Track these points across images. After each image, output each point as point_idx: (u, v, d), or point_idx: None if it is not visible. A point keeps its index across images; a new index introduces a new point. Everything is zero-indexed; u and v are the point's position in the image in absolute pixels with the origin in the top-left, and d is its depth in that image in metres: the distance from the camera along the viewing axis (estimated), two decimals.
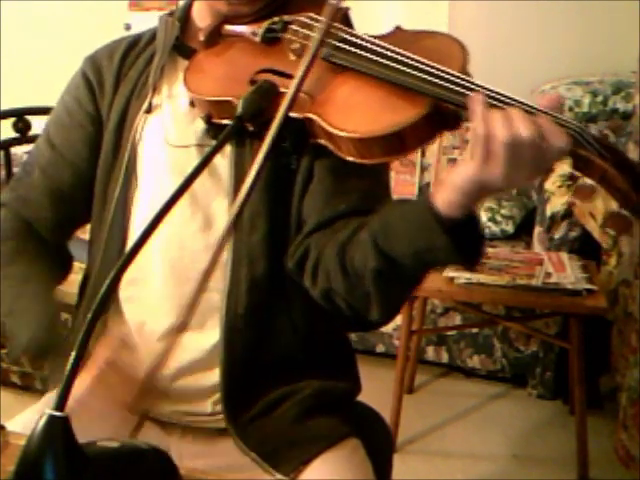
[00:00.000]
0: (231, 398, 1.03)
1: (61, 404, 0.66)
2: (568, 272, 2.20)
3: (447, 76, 0.83)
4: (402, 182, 2.99)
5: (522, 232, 2.80)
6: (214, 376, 1.04)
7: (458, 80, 0.83)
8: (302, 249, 1.00)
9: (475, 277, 2.16)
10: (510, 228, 2.80)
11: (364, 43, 0.91)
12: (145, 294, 1.06)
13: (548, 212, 2.51)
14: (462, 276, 2.17)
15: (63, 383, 0.66)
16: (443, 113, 0.84)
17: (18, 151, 1.77)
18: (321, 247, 0.98)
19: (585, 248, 2.45)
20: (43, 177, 1.12)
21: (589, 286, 2.12)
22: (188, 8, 1.11)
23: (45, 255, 1.13)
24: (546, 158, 0.77)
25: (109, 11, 3.48)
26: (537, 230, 2.58)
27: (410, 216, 0.86)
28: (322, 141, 0.89)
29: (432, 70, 0.84)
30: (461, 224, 0.82)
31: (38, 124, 1.44)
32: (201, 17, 1.08)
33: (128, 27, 3.49)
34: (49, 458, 0.66)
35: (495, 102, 0.81)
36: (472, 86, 0.83)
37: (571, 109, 2.86)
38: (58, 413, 0.66)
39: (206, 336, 1.04)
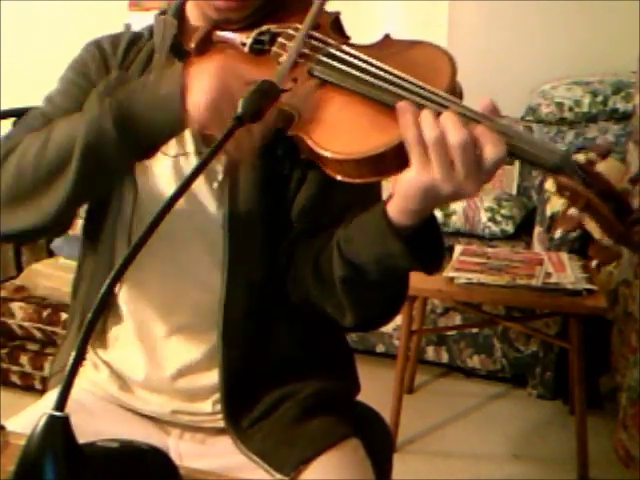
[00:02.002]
0: (230, 398, 1.03)
1: (61, 404, 0.66)
2: (568, 272, 2.20)
3: (433, 97, 0.81)
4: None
5: (522, 232, 2.80)
6: (214, 376, 1.04)
7: (445, 102, 0.81)
8: (285, 257, 1.02)
9: (475, 277, 2.16)
10: (510, 228, 2.80)
11: (350, 58, 0.90)
12: (142, 293, 1.06)
13: (548, 212, 2.51)
14: (462, 276, 2.17)
15: (63, 383, 0.66)
16: None
17: None
18: (300, 256, 1.00)
19: (585, 248, 2.45)
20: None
21: (589, 286, 2.12)
22: (182, 7, 1.09)
23: None
24: (483, 165, 0.76)
25: (109, 11, 3.49)
26: (537, 230, 2.58)
27: (366, 224, 0.88)
28: (311, 158, 0.88)
29: (418, 90, 0.82)
30: (419, 230, 0.83)
31: None
32: (195, 16, 1.07)
33: (128, 27, 3.49)
34: (49, 458, 0.66)
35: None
36: (461, 110, 0.80)
37: (571, 109, 2.87)
38: (58, 413, 0.66)
39: (205, 337, 1.04)
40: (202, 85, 0.86)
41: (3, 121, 1.69)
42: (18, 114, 1.67)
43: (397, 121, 0.80)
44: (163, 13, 1.09)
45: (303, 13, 0.97)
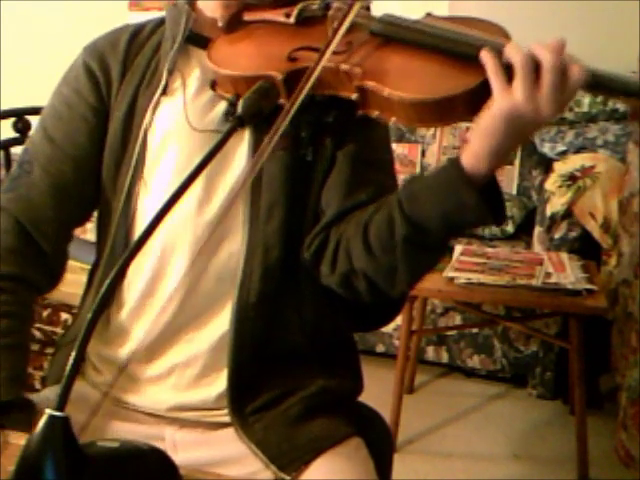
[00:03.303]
0: (236, 388, 1.03)
1: (61, 404, 0.66)
2: (568, 272, 2.20)
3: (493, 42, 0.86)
4: (402, 182, 2.99)
5: (522, 232, 2.80)
6: (221, 365, 1.03)
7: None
8: (320, 239, 1.01)
9: (475, 277, 2.16)
10: (510, 228, 2.80)
11: (405, 20, 0.94)
12: (158, 286, 1.05)
13: (548, 212, 2.51)
14: (462, 276, 2.17)
15: (63, 383, 0.66)
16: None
17: (18, 151, 1.77)
18: (341, 233, 0.99)
19: (585, 248, 2.45)
20: (44, 174, 1.08)
21: (589, 286, 2.12)
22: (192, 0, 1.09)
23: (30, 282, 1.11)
24: (566, 86, 0.81)
25: (109, 11, 3.49)
26: (537, 230, 2.58)
27: (437, 179, 0.89)
28: (375, 112, 0.92)
29: (483, 39, 0.87)
30: (484, 185, 0.86)
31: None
32: (210, 8, 1.07)
33: None
34: (49, 458, 0.66)
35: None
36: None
37: (571, 109, 2.86)
38: (58, 413, 0.66)
39: (215, 325, 1.04)
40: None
41: (3, 121, 1.69)
42: (18, 114, 1.67)
43: (463, 71, 0.86)
44: (175, 5, 1.09)
45: None
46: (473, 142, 0.85)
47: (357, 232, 0.97)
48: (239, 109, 0.79)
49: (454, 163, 0.86)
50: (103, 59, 1.08)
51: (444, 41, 0.89)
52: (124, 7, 3.58)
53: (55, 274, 1.16)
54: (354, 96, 0.92)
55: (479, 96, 0.86)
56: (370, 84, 0.89)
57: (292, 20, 1.00)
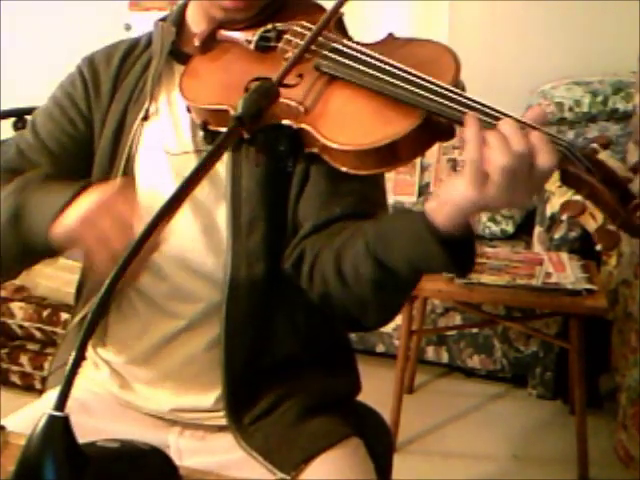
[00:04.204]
0: (232, 394, 1.03)
1: (61, 404, 0.66)
2: (568, 272, 2.20)
3: (438, 89, 0.83)
4: (402, 182, 2.99)
5: (522, 232, 2.80)
6: (215, 373, 1.04)
7: (449, 94, 0.82)
8: (298, 251, 1.01)
9: (475, 277, 2.16)
10: (510, 228, 2.80)
11: (356, 53, 0.91)
12: (149, 291, 1.06)
13: (548, 212, 2.51)
14: None
15: (63, 383, 0.66)
16: (436, 125, 0.84)
17: None
18: (317, 250, 0.99)
19: (585, 248, 2.45)
20: (19, 159, 1.09)
21: (589, 286, 2.12)
22: (182, 12, 1.11)
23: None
24: (537, 176, 0.77)
25: (109, 11, 3.49)
26: (537, 230, 2.58)
27: (403, 226, 0.87)
28: (316, 150, 0.90)
29: (424, 83, 0.84)
30: (456, 234, 0.83)
31: None
32: (195, 22, 1.08)
33: (128, 27, 3.50)
34: (49, 458, 0.66)
35: (486, 118, 0.80)
36: (465, 100, 0.82)
37: (571, 109, 2.86)
38: (58, 413, 0.66)
39: (207, 335, 1.05)
40: (73, 213, 0.90)
41: (3, 121, 1.69)
42: (18, 114, 1.67)
43: (402, 114, 0.82)
44: (163, 20, 1.10)
45: (305, 14, 1.00)
46: (444, 207, 0.81)
47: (330, 259, 0.96)
48: (239, 109, 0.79)
49: (424, 217, 0.83)
50: (96, 73, 1.11)
51: (377, 82, 0.86)
52: (124, 7, 3.57)
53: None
54: (298, 130, 0.90)
55: (423, 135, 0.83)
56: (308, 128, 0.88)
57: (252, 47, 0.99)
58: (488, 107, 0.81)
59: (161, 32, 1.09)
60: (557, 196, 2.50)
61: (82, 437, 0.69)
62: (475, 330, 2.67)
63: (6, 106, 1.73)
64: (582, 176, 0.79)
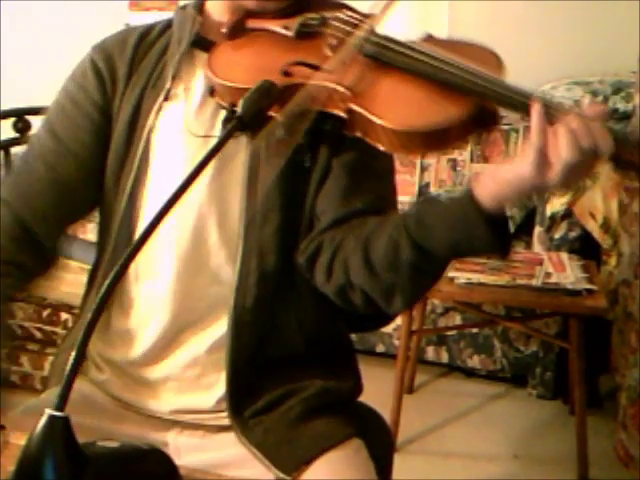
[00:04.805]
0: (235, 392, 1.03)
1: (61, 404, 0.66)
2: (568, 272, 2.20)
3: (497, 79, 0.87)
4: (402, 182, 2.99)
5: (522, 232, 2.80)
6: (219, 369, 1.04)
7: (507, 84, 0.86)
8: (315, 244, 1.01)
9: (475, 277, 2.16)
10: (510, 228, 2.80)
11: (408, 44, 0.94)
12: (154, 289, 1.06)
13: (548, 212, 2.51)
14: (462, 276, 2.17)
15: (63, 383, 0.66)
16: (484, 114, 0.87)
17: (18, 151, 1.78)
18: (338, 242, 0.99)
19: (585, 248, 2.45)
20: (46, 170, 1.07)
21: (589, 286, 2.12)
22: (202, 2, 1.10)
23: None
24: (593, 163, 0.81)
25: (109, 11, 3.49)
26: (537, 230, 2.58)
27: (450, 210, 0.89)
28: (359, 134, 0.91)
29: (480, 72, 0.87)
30: (499, 216, 0.86)
31: (38, 124, 1.43)
32: (218, 11, 1.08)
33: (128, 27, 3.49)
34: (49, 458, 0.66)
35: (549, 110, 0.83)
36: (524, 90, 0.86)
37: None
38: (58, 413, 0.66)
39: (213, 329, 1.04)
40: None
41: (3, 121, 1.69)
42: (18, 114, 1.67)
43: (455, 100, 0.85)
44: (184, 8, 1.10)
45: (332, 8, 1.02)
46: (495, 185, 0.84)
47: (357, 248, 0.96)
48: (239, 109, 0.79)
49: (470, 198, 0.86)
50: (110, 58, 1.09)
51: (425, 67, 0.89)
52: (124, 7, 3.58)
53: (48, 261, 1.16)
54: (343, 115, 0.91)
55: (473, 123, 0.86)
56: (358, 109, 0.89)
57: (291, 33, 1.00)
58: (551, 100, 0.84)
59: (184, 19, 1.08)
60: (557, 196, 2.50)
61: (82, 437, 0.69)
62: (475, 330, 2.67)
63: (6, 106, 1.74)
64: (636, 160, 0.82)
